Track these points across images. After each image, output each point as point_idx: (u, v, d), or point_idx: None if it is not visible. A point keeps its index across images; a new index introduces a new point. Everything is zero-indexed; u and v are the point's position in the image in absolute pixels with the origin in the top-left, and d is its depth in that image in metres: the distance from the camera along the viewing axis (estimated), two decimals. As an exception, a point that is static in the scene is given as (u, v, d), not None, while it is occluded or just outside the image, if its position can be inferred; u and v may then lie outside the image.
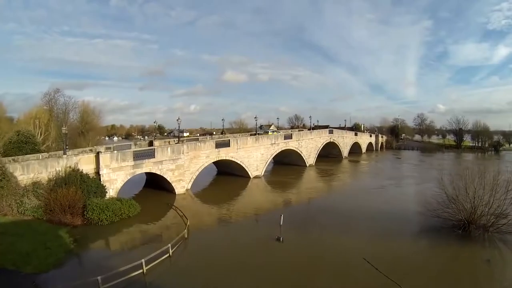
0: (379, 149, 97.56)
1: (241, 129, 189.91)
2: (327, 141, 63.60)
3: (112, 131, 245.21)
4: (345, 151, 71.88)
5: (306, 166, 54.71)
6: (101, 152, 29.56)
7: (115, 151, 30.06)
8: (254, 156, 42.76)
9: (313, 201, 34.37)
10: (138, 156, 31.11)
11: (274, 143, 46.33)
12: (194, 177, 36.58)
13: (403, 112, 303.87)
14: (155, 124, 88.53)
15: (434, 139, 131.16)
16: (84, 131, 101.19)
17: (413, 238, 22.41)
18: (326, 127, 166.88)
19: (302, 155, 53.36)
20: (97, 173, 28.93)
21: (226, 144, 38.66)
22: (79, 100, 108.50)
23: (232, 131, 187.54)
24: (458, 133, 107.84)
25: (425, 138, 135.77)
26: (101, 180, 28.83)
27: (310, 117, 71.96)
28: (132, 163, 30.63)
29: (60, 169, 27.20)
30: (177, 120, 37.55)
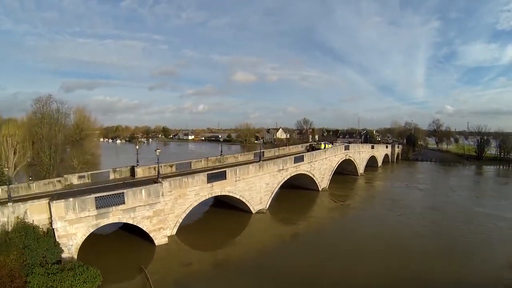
0: (395, 161, 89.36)
1: (248, 130, 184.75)
2: (343, 159, 55.35)
3: (116, 132, 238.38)
4: (361, 167, 63.51)
5: (319, 190, 46.43)
6: (52, 201, 21.73)
7: (71, 199, 22.12)
8: (257, 188, 34.57)
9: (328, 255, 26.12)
10: (102, 203, 23.24)
11: (282, 169, 37.99)
12: (181, 220, 28.61)
13: (412, 113, 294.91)
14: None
15: (452, 146, 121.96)
16: (79, 139, 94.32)
17: None
18: (336, 132, 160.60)
19: (314, 178, 45.08)
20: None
21: (221, 176, 30.50)
22: (73, 106, 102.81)
23: (240, 132, 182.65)
24: (480, 143, 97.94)
25: (440, 144, 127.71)
26: (56, 235, 21.64)
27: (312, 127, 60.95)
28: (95, 212, 22.92)
29: (5, 220, 20.44)
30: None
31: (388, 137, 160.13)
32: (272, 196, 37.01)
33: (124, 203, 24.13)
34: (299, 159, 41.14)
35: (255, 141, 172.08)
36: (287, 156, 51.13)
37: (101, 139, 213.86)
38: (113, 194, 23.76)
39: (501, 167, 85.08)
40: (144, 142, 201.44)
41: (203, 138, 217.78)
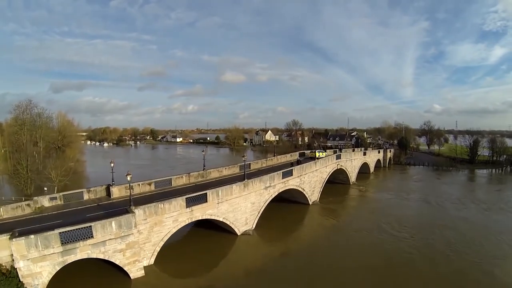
0: (387, 165, 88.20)
1: (237, 130, 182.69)
2: (334, 169, 53.57)
3: (103, 135, 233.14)
4: (353, 176, 61.89)
5: (309, 204, 44.48)
6: (12, 239, 19.33)
7: (32, 236, 19.73)
8: (242, 208, 32.38)
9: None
10: (68, 238, 20.90)
11: (269, 186, 35.80)
12: (158, 248, 26.28)
13: (401, 112, 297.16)
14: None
15: (443, 148, 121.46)
16: (61, 146, 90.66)
17: None
18: (326, 134, 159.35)
19: (304, 192, 43.11)
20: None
21: (202, 199, 28.18)
22: (54, 112, 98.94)
23: (228, 132, 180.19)
24: (472, 146, 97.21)
25: (432, 146, 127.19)
26: (19, 275, 19.53)
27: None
28: (60, 249, 20.65)
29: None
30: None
31: (379, 139, 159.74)
32: (259, 215, 34.84)
33: (92, 237, 21.78)
34: (287, 173, 38.98)
35: (244, 143, 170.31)
36: (275, 166, 49.46)
37: (88, 142, 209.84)
38: (79, 228, 21.36)
39: (494, 170, 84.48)
40: (131, 146, 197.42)
41: (191, 141, 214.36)
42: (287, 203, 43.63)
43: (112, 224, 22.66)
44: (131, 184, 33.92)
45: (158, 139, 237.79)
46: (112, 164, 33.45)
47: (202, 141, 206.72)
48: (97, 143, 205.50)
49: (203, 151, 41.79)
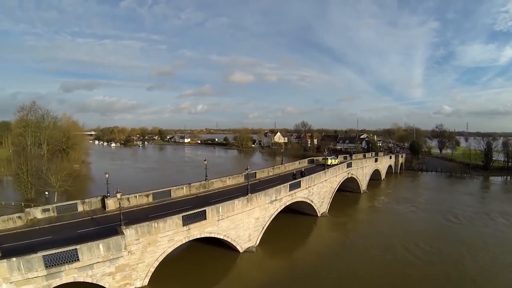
0: (398, 171, 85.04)
1: (246, 131, 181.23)
2: (345, 178, 50.97)
3: (112, 135, 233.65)
4: (363, 184, 59.08)
5: (317, 215, 42.00)
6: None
7: (14, 259, 17.98)
8: (244, 224, 30.13)
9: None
10: (52, 262, 19.17)
11: (275, 200, 33.45)
12: (153, 269, 24.24)
13: (410, 113, 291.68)
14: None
15: (457, 152, 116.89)
16: (66, 148, 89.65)
17: None
18: (335, 136, 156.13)
19: (312, 204, 40.66)
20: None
21: (200, 217, 25.93)
22: (58, 114, 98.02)
23: (238, 132, 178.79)
24: (487, 152, 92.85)
25: (444, 150, 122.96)
26: None
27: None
28: (44, 272, 18.94)
29: None
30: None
31: (389, 142, 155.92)
32: (263, 230, 32.55)
33: (78, 260, 19.90)
34: (295, 185, 36.49)
35: (252, 145, 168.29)
36: (282, 175, 47.05)
37: (96, 142, 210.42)
38: (63, 252, 19.47)
39: (509, 178, 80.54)
40: (139, 146, 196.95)
41: (199, 141, 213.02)
42: (294, 214, 40.97)
43: (100, 246, 20.70)
44: (128, 196, 32.65)
45: (166, 139, 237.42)
46: (106, 175, 31.63)
47: (210, 142, 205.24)
48: (105, 143, 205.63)
49: (205, 160, 39.48)
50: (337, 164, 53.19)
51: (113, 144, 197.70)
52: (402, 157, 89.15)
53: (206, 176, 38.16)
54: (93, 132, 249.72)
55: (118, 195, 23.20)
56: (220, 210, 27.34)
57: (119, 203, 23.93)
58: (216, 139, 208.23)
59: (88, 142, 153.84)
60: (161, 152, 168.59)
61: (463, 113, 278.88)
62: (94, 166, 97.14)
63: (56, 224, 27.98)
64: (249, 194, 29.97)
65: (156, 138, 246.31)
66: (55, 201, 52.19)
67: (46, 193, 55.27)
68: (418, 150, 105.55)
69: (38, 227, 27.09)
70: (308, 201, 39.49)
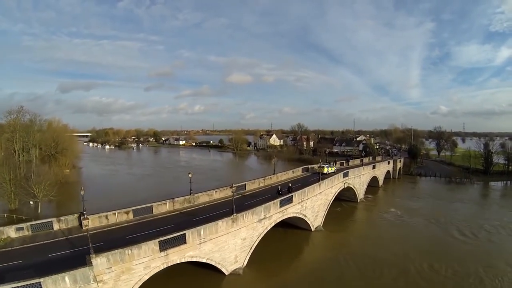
0: (396, 176, 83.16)
1: (241, 132, 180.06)
2: (341, 188, 48.81)
3: (106, 137, 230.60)
4: (361, 193, 56.92)
5: (311, 230, 39.84)
6: None
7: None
8: (230, 246, 27.94)
9: None
10: (7, 299, 16.98)
11: (264, 218, 31.20)
12: (128, 299, 22.10)
13: (407, 113, 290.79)
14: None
15: (456, 155, 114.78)
16: (55, 153, 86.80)
17: None
18: (332, 139, 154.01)
19: (306, 219, 38.47)
20: None
21: (179, 241, 23.67)
22: (47, 119, 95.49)
23: (233, 133, 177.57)
24: (487, 156, 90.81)
25: (442, 152, 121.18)
26: None
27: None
28: (1, 310, 16.74)
29: None
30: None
31: (386, 144, 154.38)
32: (251, 251, 30.36)
33: (38, 296, 17.72)
34: (286, 201, 34.23)
35: (248, 148, 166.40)
36: (274, 186, 44.75)
37: (90, 145, 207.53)
38: (25, 286, 17.35)
39: (509, 183, 78.68)
40: (133, 148, 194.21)
41: (194, 144, 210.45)
42: (285, 229, 38.61)
43: (66, 279, 18.54)
44: (106, 214, 30.48)
45: (161, 141, 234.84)
46: (82, 192, 29.42)
47: (205, 144, 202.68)
48: (99, 146, 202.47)
49: (189, 173, 36.96)
50: (333, 173, 51.14)
51: (107, 147, 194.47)
52: (400, 161, 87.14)
53: (191, 190, 35.80)
54: (88, 134, 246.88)
55: (85, 222, 21.00)
56: (202, 232, 25.12)
57: (88, 234, 21.55)
58: (211, 141, 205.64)
59: (82, 144, 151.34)
60: (155, 155, 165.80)
61: (459, 113, 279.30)
62: (85, 171, 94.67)
63: (30, 245, 26.10)
64: (234, 214, 27.70)
65: (151, 140, 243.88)
66: (39, 211, 50.20)
67: (31, 202, 53.13)
68: (416, 154, 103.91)
69: (10, 248, 25.40)
70: (301, 216, 37.27)
